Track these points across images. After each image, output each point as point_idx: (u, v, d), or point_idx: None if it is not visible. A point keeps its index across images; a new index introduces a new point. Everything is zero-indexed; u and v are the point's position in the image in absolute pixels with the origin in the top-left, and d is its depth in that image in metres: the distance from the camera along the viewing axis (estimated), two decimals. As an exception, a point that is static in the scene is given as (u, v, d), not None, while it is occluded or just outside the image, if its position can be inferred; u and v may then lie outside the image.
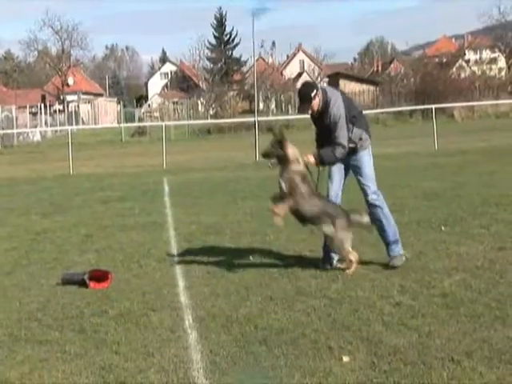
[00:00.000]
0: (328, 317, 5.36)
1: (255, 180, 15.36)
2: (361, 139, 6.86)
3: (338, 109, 6.73)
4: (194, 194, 13.51)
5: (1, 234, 10.04)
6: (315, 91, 6.76)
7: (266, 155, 6.82)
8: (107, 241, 8.96)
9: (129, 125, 42.64)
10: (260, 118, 26.00)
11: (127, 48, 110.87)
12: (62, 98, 67.97)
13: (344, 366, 4.39)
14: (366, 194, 6.95)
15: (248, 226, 9.46)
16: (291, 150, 6.59)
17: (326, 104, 6.76)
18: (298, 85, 71.77)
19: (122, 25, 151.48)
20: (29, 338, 5.28)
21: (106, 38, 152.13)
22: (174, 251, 8.15)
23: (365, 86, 57.11)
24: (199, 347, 4.90)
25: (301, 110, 7.13)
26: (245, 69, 71.82)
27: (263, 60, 75.36)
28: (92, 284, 6.63)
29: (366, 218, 6.77)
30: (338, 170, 7.00)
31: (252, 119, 25.46)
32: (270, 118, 36.76)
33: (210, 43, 73.07)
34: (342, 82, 59.11)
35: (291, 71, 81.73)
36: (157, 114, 56.60)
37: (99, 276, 6.77)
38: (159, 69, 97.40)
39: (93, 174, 19.49)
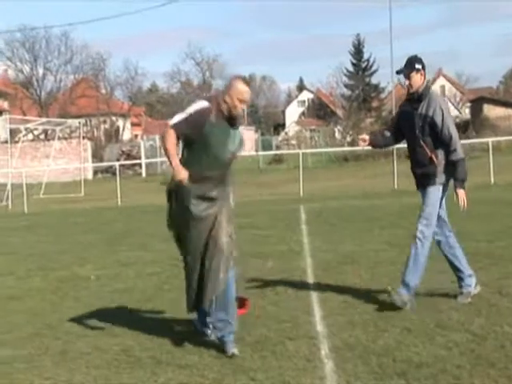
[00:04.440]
0: (471, 352, 5.12)
1: (393, 208, 15.14)
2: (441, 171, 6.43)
3: (448, 107, 6.45)
4: (331, 221, 13.46)
5: (145, 258, 10.42)
6: (421, 66, 6.41)
7: None
8: (243, 267, 9.07)
9: (266, 153, 43.18)
10: (398, 145, 25.61)
11: (265, 77, 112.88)
12: (202, 127, 69.91)
13: (488, 405, 4.20)
14: (416, 227, 6.56)
15: (386, 255, 9.30)
16: None
17: (427, 93, 6.40)
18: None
19: (260, 55, 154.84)
20: (170, 361, 5.39)
21: (244, 69, 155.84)
22: (311, 279, 8.13)
23: (511, 111, 54.94)
24: (336, 378, 4.82)
25: (399, 71, 6.59)
26: (383, 95, 71.18)
27: (401, 86, 74.35)
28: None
29: None
30: None
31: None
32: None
33: (347, 70, 73.01)
34: (486, 107, 57.17)
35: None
36: (294, 142, 57.03)
37: (237, 302, 6.84)
38: (296, 97, 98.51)
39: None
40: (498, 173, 19.58)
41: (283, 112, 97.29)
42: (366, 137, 6.87)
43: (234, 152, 5.58)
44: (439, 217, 6.56)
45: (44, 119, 43.11)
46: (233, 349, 5.44)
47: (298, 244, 10.93)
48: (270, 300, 7.21)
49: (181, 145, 5.58)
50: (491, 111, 54.77)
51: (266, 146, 58.45)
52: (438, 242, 6.71)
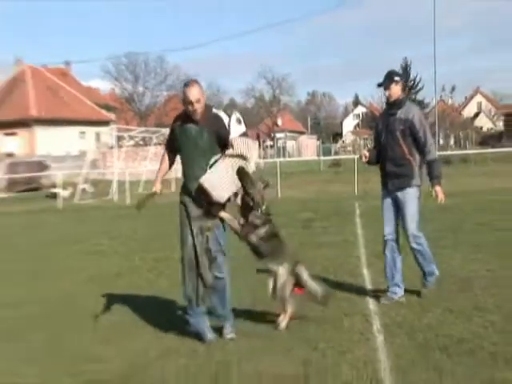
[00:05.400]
0: (505, 332, 4.97)
1: (432, 206, 14.78)
2: (417, 174, 6.06)
3: (424, 117, 6.08)
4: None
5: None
6: (400, 79, 6.09)
7: None
8: (307, 254, 9.01)
9: (326, 158, 42.90)
10: (440, 153, 25.04)
11: (325, 94, 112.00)
12: (272, 135, 70.14)
13: (521, 378, 4.06)
14: (406, 236, 6.15)
15: (429, 245, 9.06)
16: None
17: (404, 102, 6.07)
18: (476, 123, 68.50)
19: (322, 75, 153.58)
20: (246, 330, 5.41)
21: (308, 86, 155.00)
22: (364, 265, 8.04)
23: (540, 123, 53.13)
24: (386, 349, 4.77)
25: (380, 84, 6.16)
26: (427, 110, 69.81)
27: (443, 102, 72.70)
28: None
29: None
30: (387, 207, 6.24)
31: (433, 153, 24.64)
32: (449, 152, 35.33)
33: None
34: (518, 120, 55.48)
35: (469, 111, 78.23)
36: (350, 149, 56.63)
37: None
38: (352, 111, 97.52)
39: (296, 198, 19.84)
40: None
41: (341, 123, 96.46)
42: (367, 153, 6.41)
43: (203, 146, 5.19)
44: (395, 220, 6.19)
45: (143, 128, 43.88)
46: (230, 334, 5.34)
47: (353, 235, 10.82)
48: (329, 282, 7.12)
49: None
50: (523, 124, 53.11)
51: (326, 151, 58.13)
52: (386, 241, 6.30)
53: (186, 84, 5.24)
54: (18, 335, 5.99)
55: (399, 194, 6.11)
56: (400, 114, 6.05)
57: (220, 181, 5.08)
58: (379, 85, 6.14)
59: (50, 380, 4.73)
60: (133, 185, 27.67)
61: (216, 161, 5.18)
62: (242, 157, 5.16)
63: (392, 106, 6.14)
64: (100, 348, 5.36)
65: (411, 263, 7.82)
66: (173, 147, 5.44)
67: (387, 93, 6.10)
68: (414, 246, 6.16)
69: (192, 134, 5.24)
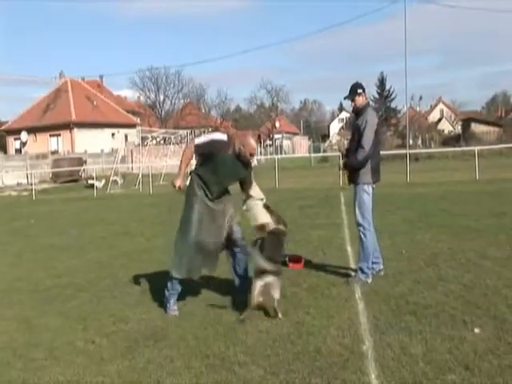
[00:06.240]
0: (463, 298, 5.01)
1: (406, 195, 14.79)
2: (363, 172, 5.76)
3: (372, 120, 5.67)
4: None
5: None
6: (362, 91, 5.71)
7: None
8: (302, 235, 9.05)
9: (316, 155, 42.74)
10: (410, 151, 24.96)
11: (315, 101, 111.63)
12: (271, 136, 69.93)
13: (476, 336, 4.10)
14: (356, 222, 5.97)
15: (401, 228, 9.11)
16: None
17: (365, 109, 5.74)
18: (440, 126, 68.36)
19: (313, 85, 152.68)
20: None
21: (300, 95, 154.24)
22: (348, 244, 8.04)
23: (491, 128, 52.91)
24: (366, 313, 4.80)
25: (346, 97, 5.83)
26: (399, 115, 69.54)
27: (412, 109, 72.32)
28: (291, 264, 6.72)
29: None
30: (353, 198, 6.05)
31: (404, 151, 24.58)
32: (417, 150, 35.15)
33: (374, 97, 71.60)
34: (473, 125, 55.32)
35: (433, 117, 77.89)
36: (335, 147, 56.37)
37: (296, 259, 6.86)
38: (337, 116, 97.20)
39: (291, 189, 19.81)
40: (481, 172, 19.04)
41: (328, 126, 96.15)
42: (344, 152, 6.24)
43: (237, 177, 5.20)
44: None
45: (163, 130, 43.79)
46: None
47: (338, 219, 10.81)
48: (320, 258, 7.18)
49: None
50: (477, 128, 53.07)
51: (316, 149, 58.01)
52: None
53: (258, 138, 5.06)
54: (62, 301, 6.02)
55: (355, 187, 5.99)
56: (359, 120, 5.84)
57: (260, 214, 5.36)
58: (345, 98, 5.90)
59: (88, 340, 4.76)
60: (155, 177, 27.65)
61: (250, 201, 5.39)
62: (261, 199, 5.46)
63: (356, 113, 5.95)
64: (128, 311, 5.38)
65: (384, 242, 7.88)
66: (203, 154, 5.10)
67: (352, 104, 5.85)
68: (361, 235, 5.92)
69: (237, 169, 5.12)
